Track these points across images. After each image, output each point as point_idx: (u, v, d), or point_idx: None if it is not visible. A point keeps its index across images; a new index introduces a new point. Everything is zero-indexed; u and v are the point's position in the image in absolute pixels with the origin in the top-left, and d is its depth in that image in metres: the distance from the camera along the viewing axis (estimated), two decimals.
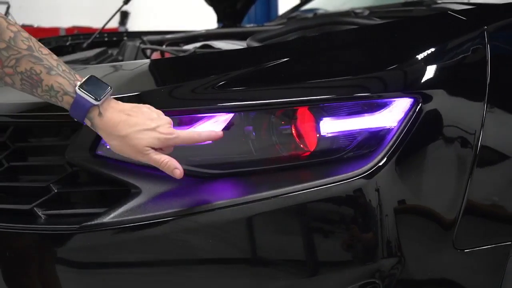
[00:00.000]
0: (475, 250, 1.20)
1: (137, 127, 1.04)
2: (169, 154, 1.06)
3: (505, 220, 1.26)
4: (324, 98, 1.12)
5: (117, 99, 1.08)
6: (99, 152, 1.13)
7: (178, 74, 1.23)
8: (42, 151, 1.22)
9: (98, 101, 1.03)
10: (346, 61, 1.21)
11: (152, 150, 1.05)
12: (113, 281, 1.10)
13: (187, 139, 1.07)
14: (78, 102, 1.03)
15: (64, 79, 1.04)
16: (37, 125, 1.22)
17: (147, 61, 1.34)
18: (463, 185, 1.17)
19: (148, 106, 1.07)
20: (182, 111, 1.12)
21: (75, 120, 1.05)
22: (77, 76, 1.06)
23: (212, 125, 1.11)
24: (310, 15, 2.47)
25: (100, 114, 1.04)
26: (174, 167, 1.05)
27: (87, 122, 1.05)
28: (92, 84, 1.05)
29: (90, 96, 1.03)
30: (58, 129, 1.22)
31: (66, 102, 1.04)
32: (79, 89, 1.04)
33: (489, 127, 1.19)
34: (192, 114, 1.12)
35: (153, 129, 1.04)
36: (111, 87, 1.06)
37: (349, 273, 1.12)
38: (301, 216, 1.09)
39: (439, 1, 1.87)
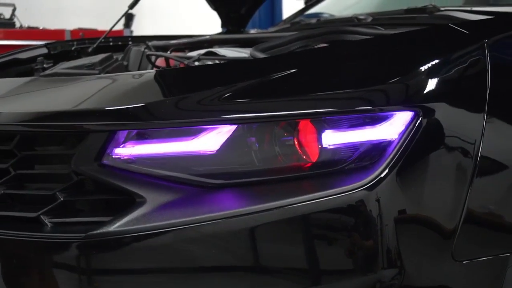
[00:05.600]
0: (473, 261, 1.21)
1: None
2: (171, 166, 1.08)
3: (504, 231, 1.27)
4: (326, 111, 1.14)
5: (123, 110, 1.10)
6: (105, 161, 1.14)
7: (183, 85, 1.24)
8: (48, 159, 1.24)
9: None
10: (349, 74, 1.22)
11: None
12: None
13: None
14: None
15: None
16: (43, 134, 1.23)
17: (153, 71, 1.35)
18: (463, 195, 1.19)
19: None
20: (186, 123, 1.13)
21: (82, 129, 1.05)
22: None
23: (215, 136, 1.13)
24: (314, 20, 2.48)
25: None
26: None
27: None
28: None
29: None
30: (64, 138, 1.24)
31: None
32: None
33: (489, 137, 1.20)
34: (196, 125, 1.13)
35: None
36: None
37: (350, 283, 1.13)
38: (303, 227, 1.11)
39: (442, 9, 1.88)
